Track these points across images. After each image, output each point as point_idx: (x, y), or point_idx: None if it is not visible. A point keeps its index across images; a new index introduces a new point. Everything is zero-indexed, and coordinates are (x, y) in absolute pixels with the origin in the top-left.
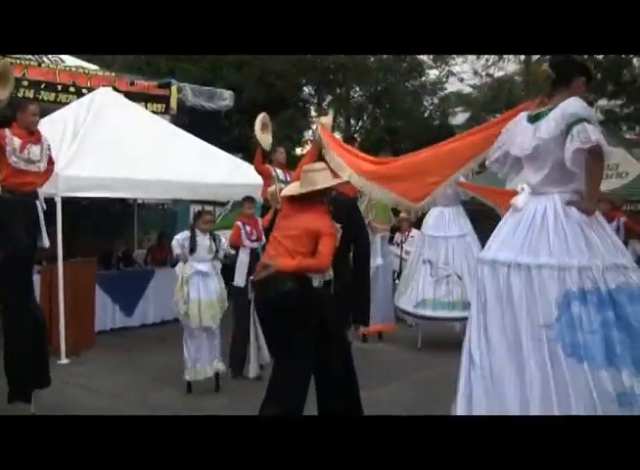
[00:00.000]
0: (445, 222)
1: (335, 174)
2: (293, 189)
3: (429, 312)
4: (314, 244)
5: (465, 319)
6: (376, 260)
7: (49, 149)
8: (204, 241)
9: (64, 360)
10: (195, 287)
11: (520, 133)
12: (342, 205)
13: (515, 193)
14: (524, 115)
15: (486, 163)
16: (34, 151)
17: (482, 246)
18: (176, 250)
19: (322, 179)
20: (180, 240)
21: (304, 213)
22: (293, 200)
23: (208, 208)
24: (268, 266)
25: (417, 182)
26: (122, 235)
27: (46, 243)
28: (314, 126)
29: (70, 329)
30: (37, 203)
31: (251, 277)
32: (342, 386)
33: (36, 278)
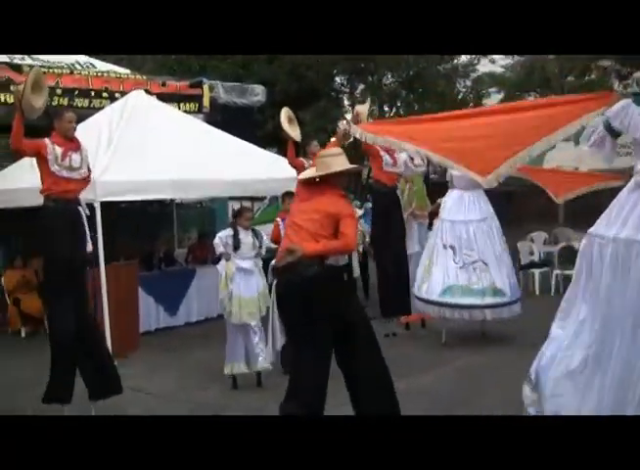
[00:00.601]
0: (465, 206)
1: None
2: (309, 173)
3: (457, 299)
4: (335, 227)
5: (497, 306)
6: (413, 247)
7: (87, 156)
8: (246, 238)
9: None
10: (237, 284)
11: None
12: (381, 194)
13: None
14: (628, 101)
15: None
16: (75, 158)
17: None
18: (219, 248)
19: (338, 163)
20: (223, 238)
21: (321, 197)
22: (309, 184)
23: (247, 204)
24: (293, 251)
25: (488, 153)
26: (162, 235)
27: (89, 247)
28: (348, 116)
29: (115, 331)
30: (80, 209)
31: (273, 263)
32: (372, 380)
33: None
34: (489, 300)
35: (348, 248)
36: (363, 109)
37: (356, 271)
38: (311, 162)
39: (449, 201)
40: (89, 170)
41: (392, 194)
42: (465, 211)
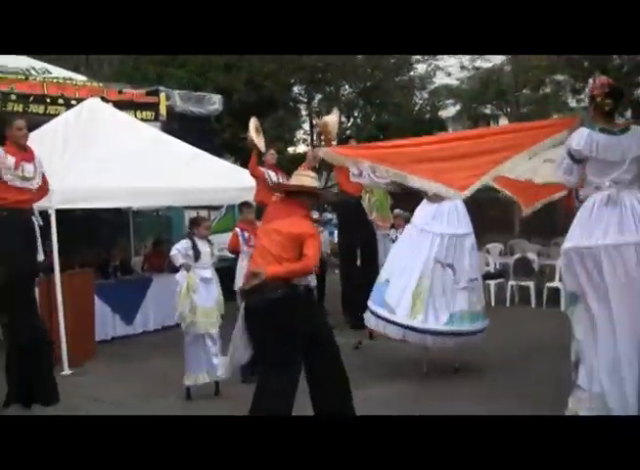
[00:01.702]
0: (447, 216)
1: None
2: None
3: (466, 327)
4: (299, 248)
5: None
6: (380, 259)
7: (42, 166)
8: (205, 248)
9: (66, 371)
10: (199, 294)
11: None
12: (348, 204)
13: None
14: (586, 130)
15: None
16: (28, 168)
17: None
18: (180, 260)
19: (310, 181)
20: (182, 250)
21: (286, 218)
22: (278, 204)
23: (203, 212)
24: (258, 274)
25: (463, 173)
26: (118, 243)
27: (41, 256)
28: (313, 123)
29: (71, 340)
30: (33, 218)
31: (239, 286)
32: (334, 389)
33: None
34: (485, 322)
35: (307, 269)
36: (331, 119)
37: (314, 281)
38: (270, 171)
39: (429, 209)
40: (44, 181)
41: (359, 204)
42: (449, 223)
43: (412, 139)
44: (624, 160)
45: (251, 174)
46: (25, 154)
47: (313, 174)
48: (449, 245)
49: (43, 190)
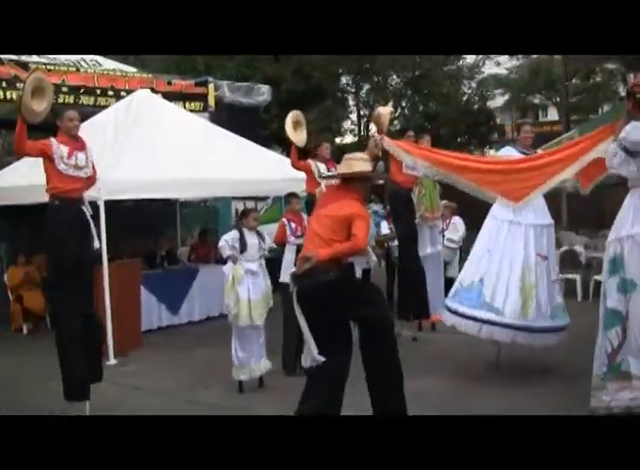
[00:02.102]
0: (538, 209)
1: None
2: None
3: (564, 321)
4: (348, 230)
5: None
6: (424, 250)
7: (92, 155)
8: (252, 240)
9: (112, 361)
10: (245, 287)
11: None
12: (400, 195)
13: None
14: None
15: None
16: (81, 157)
17: None
18: (227, 251)
19: (359, 165)
20: (230, 241)
21: (337, 201)
22: (331, 191)
23: (250, 203)
24: (309, 258)
25: (518, 184)
26: (165, 233)
27: (96, 244)
28: (361, 113)
29: (117, 330)
30: (84, 208)
31: (292, 271)
32: (389, 381)
33: None
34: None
35: (357, 247)
36: (385, 111)
37: (372, 263)
38: (320, 163)
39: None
40: (94, 170)
41: (408, 196)
42: (536, 213)
43: (470, 155)
44: None
45: (294, 167)
46: (77, 143)
47: (363, 156)
48: (541, 236)
49: (92, 178)
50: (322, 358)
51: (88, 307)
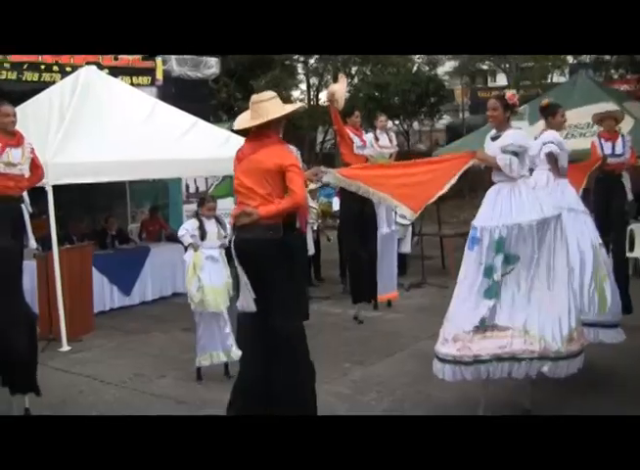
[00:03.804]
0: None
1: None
2: (243, 122)
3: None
4: (283, 181)
5: None
6: (381, 230)
7: (32, 152)
8: (211, 227)
9: (65, 347)
10: (207, 273)
11: None
12: None
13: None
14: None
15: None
16: (15, 154)
17: None
18: (187, 240)
19: (273, 109)
20: (190, 230)
21: (260, 151)
22: (248, 139)
23: (200, 179)
24: (250, 214)
25: (418, 195)
26: (115, 211)
27: (32, 244)
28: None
29: (70, 316)
30: (22, 206)
31: (230, 221)
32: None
33: (32, 266)
34: None
35: (297, 204)
36: (338, 87)
37: (311, 250)
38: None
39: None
40: (35, 166)
41: None
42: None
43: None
44: None
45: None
46: (12, 139)
47: (271, 95)
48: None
49: (36, 176)
50: (254, 308)
51: (25, 307)
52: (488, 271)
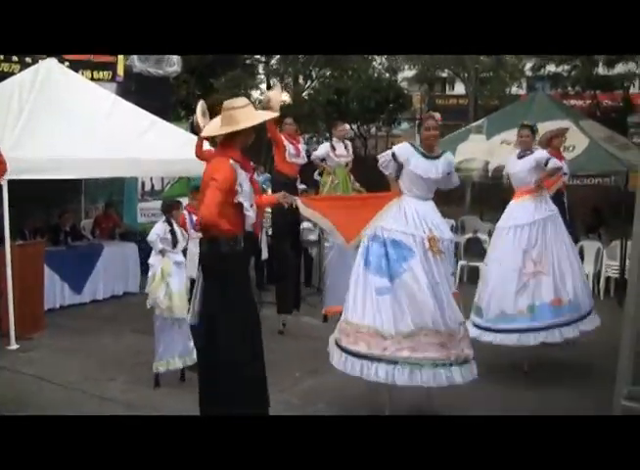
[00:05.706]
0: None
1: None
2: (212, 129)
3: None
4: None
5: None
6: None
7: None
8: (179, 232)
9: (13, 346)
10: (175, 278)
11: None
12: (280, 185)
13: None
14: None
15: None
16: None
17: None
18: (158, 246)
19: (244, 117)
20: (162, 234)
21: (211, 160)
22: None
23: (157, 177)
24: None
25: (353, 225)
26: (69, 207)
27: None
28: (271, 83)
29: (19, 313)
30: None
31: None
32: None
33: None
34: None
35: (202, 220)
36: (273, 94)
37: (264, 254)
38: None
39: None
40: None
41: (293, 186)
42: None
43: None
44: None
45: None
46: None
47: (243, 102)
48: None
49: None
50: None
51: None
52: None
